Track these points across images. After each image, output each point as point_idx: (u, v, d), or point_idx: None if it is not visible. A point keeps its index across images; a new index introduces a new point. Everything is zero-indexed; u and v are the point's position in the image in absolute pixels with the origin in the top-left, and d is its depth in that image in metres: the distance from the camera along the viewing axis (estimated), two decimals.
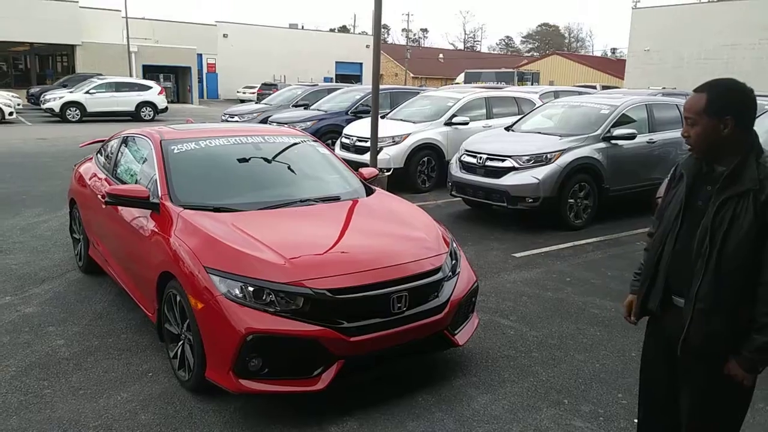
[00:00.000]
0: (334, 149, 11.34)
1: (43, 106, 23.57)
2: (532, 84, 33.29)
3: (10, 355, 4.08)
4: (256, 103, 17.68)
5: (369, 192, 4.70)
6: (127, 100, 24.02)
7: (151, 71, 36.64)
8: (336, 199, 4.44)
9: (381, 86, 14.00)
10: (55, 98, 23.24)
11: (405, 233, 4.01)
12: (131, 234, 4.31)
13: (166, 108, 25.39)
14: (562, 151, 7.57)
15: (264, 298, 3.24)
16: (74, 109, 22.99)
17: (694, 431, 2.27)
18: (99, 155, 5.70)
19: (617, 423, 3.40)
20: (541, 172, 7.44)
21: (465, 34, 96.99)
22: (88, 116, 23.00)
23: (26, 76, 36.82)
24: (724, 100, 2.12)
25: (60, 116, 22.76)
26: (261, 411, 3.44)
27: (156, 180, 4.22)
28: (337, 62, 50.71)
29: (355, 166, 9.90)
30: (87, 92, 23.50)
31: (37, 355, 4.09)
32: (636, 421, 3.33)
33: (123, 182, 4.78)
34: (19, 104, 25.33)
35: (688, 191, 2.25)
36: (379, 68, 9.07)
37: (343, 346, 3.23)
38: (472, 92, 11.53)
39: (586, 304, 5.21)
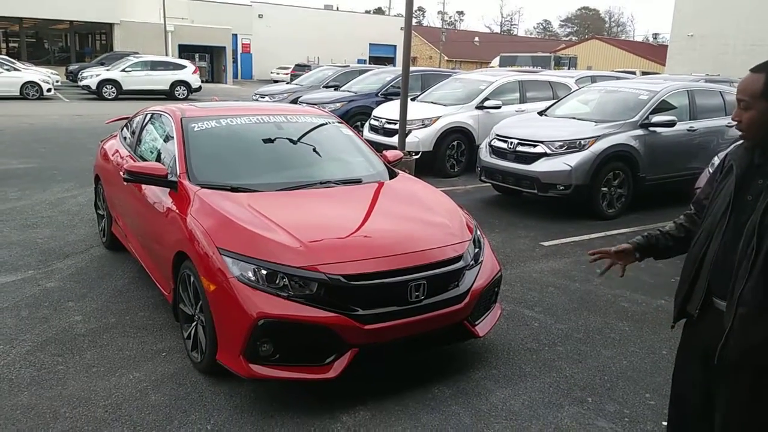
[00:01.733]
0: (362, 131, 11.23)
1: (80, 84, 23.94)
2: (569, 69, 32.50)
3: (27, 330, 4.08)
4: (288, 83, 17.59)
5: (392, 175, 4.56)
6: (162, 79, 24.21)
7: (186, 50, 36.93)
8: (357, 181, 4.31)
9: (412, 68, 13.78)
10: (92, 76, 23.58)
11: (427, 219, 3.86)
12: (150, 212, 4.26)
13: (200, 87, 25.52)
14: (597, 138, 7.29)
15: (277, 282, 3.14)
16: (110, 86, 23.28)
17: None
18: (123, 132, 5.67)
19: (644, 425, 3.22)
20: (573, 159, 7.18)
21: (502, 17, 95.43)
22: (123, 94, 23.28)
23: (66, 54, 37.47)
24: None
25: (96, 93, 23.08)
26: (272, 397, 3.37)
27: (175, 158, 4.15)
28: (370, 44, 50.33)
29: (383, 148, 9.82)
30: (123, 70, 23.76)
31: (54, 331, 4.09)
32: (665, 424, 3.18)
33: (144, 159, 4.73)
34: (57, 81, 25.79)
35: (738, 184, 2.05)
36: (410, 49, 8.86)
37: (357, 334, 3.12)
38: (506, 75, 11.24)
39: (615, 297, 5.00)
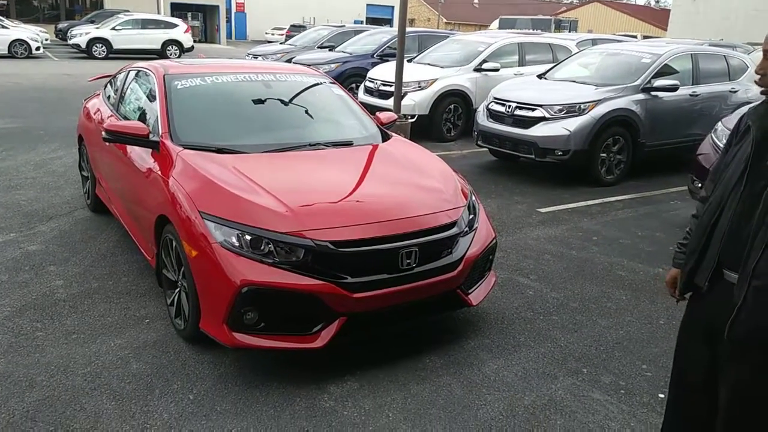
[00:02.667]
0: (357, 93, 10.97)
1: (70, 42, 23.43)
2: (569, 32, 31.88)
3: (6, 294, 3.95)
4: (281, 44, 17.17)
5: (386, 138, 4.38)
6: (153, 38, 23.67)
7: (179, 9, 36.06)
8: (349, 144, 4.13)
9: (409, 29, 13.40)
10: (82, 34, 23.04)
11: (420, 183, 3.70)
12: (132, 173, 4.08)
13: (192, 47, 24.98)
14: (597, 102, 7.08)
15: (262, 248, 3.00)
16: (100, 45, 22.78)
17: (730, 425, 1.98)
18: (106, 90, 5.45)
19: (639, 397, 3.13)
20: (573, 124, 6.99)
21: None
22: (114, 53, 22.76)
23: (56, 12, 36.54)
24: None
25: (86, 52, 22.58)
26: (258, 366, 3.26)
27: (157, 117, 3.95)
28: (368, 5, 49.30)
29: (378, 111, 9.59)
30: (113, 29, 23.22)
31: (34, 296, 3.95)
32: (661, 396, 3.09)
33: (126, 118, 4.53)
34: (46, 39, 25.23)
35: (755, 148, 1.89)
36: (406, 9, 8.55)
37: (345, 302, 2.99)
38: (505, 37, 10.93)
39: (612, 265, 4.89)
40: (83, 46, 22.53)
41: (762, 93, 1.88)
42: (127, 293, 4.05)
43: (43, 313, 3.73)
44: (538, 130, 7.15)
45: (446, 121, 9.86)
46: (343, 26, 15.95)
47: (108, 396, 2.96)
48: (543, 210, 6.29)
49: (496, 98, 7.83)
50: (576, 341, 3.66)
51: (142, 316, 3.75)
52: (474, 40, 10.92)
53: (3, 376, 3.08)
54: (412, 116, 9.40)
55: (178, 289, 3.46)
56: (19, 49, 21.10)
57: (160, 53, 23.44)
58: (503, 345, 3.58)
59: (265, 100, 4.30)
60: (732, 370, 1.95)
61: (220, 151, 3.68)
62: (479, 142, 8.06)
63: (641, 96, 7.33)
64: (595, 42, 12.98)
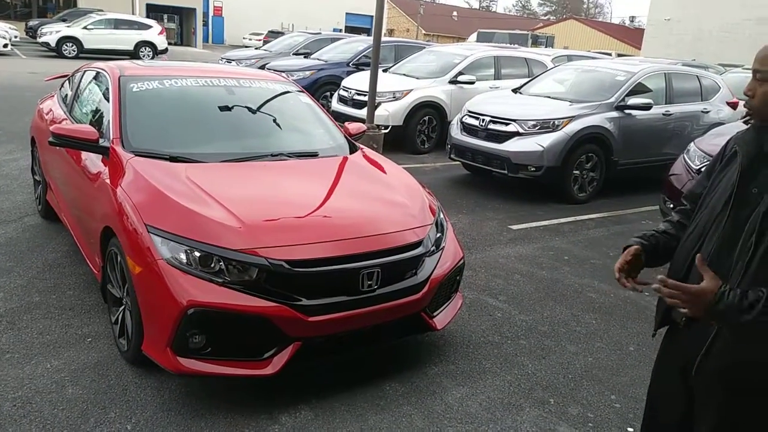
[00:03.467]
0: (331, 102, 10.79)
1: (39, 40, 22.80)
2: (546, 48, 32.20)
3: None
4: (257, 49, 16.91)
5: (353, 150, 4.20)
6: (126, 39, 23.17)
7: (155, 11, 35.44)
8: (314, 155, 3.94)
9: (386, 39, 13.31)
10: (52, 32, 22.47)
11: (385, 199, 3.52)
12: (80, 180, 3.84)
13: (166, 49, 24.54)
14: (572, 118, 7.01)
15: (212, 265, 2.79)
16: (71, 44, 22.23)
17: None
18: (62, 90, 5.18)
19: (608, 431, 2.98)
20: (546, 140, 6.90)
21: None
22: (85, 53, 22.20)
23: (28, 9, 35.74)
24: None
25: (56, 51, 22.01)
26: (205, 393, 3.03)
27: (109, 121, 3.72)
28: (347, 14, 49.20)
29: (351, 120, 9.42)
30: (85, 28, 22.69)
31: None
32: (630, 430, 2.95)
33: (79, 121, 4.27)
34: (16, 37, 24.60)
35: (742, 174, 1.75)
36: (382, 18, 8.45)
37: (299, 326, 2.79)
38: (481, 50, 10.87)
39: (583, 286, 4.76)
40: (53, 44, 21.95)
41: (747, 115, 1.75)
42: (70, 309, 3.79)
43: None
44: (511, 145, 7.04)
45: (420, 132, 9.72)
46: (319, 33, 15.78)
47: (37, 424, 2.71)
48: (515, 227, 6.17)
49: (470, 111, 7.72)
50: (544, 368, 3.51)
51: (84, 335, 3.49)
52: (450, 52, 10.83)
53: None
54: (386, 127, 9.27)
55: (123, 307, 3.22)
56: None
57: (133, 54, 22.96)
58: (468, 371, 3.41)
59: (227, 107, 4.08)
60: (705, 411, 1.81)
61: (174, 159, 3.46)
62: (452, 156, 7.93)
63: (615, 114, 7.29)
64: (570, 58, 13.04)
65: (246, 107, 4.15)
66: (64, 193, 4.42)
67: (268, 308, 2.74)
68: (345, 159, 3.96)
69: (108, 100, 3.90)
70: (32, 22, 28.48)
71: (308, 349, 2.89)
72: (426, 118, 9.69)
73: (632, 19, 56.41)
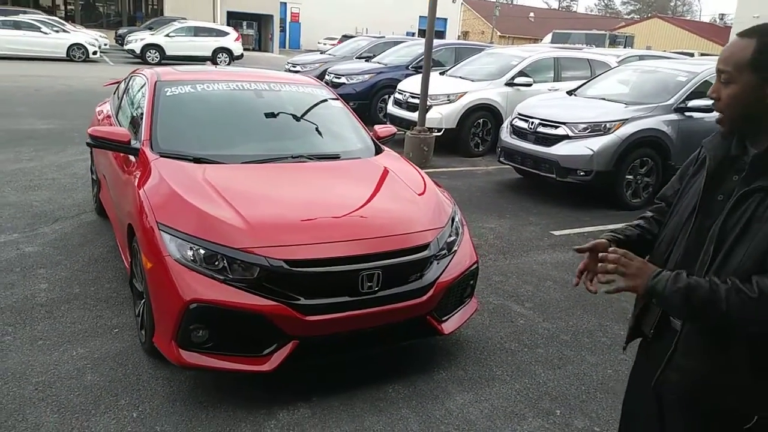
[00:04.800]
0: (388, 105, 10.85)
1: (125, 48, 24.20)
2: (624, 48, 30.99)
3: None
4: (321, 53, 17.25)
5: (378, 153, 4.23)
6: (205, 45, 24.20)
7: (235, 17, 36.86)
8: (335, 157, 4.00)
9: (446, 41, 13.24)
10: (137, 40, 23.79)
11: (397, 203, 3.53)
12: (117, 179, 4.07)
13: (242, 55, 25.44)
14: (624, 121, 6.74)
15: (216, 263, 2.89)
16: (154, 51, 23.42)
17: None
18: (114, 95, 5.50)
19: None
20: (596, 143, 6.66)
21: None
22: (167, 59, 23.35)
23: (119, 18, 38.05)
24: None
25: (140, 58, 23.25)
26: (212, 384, 3.14)
27: (142, 123, 3.93)
28: (420, 16, 49.22)
29: (405, 123, 9.50)
30: (167, 35, 23.88)
31: (15, 298, 3.97)
32: None
33: (120, 123, 4.53)
34: (106, 44, 26.19)
35: (708, 180, 1.65)
36: (434, 18, 8.44)
37: (297, 325, 2.85)
38: (540, 51, 10.62)
39: (617, 296, 4.56)
40: (138, 51, 23.24)
41: (717, 121, 1.65)
42: (105, 300, 4.02)
43: (18, 317, 3.73)
44: (560, 149, 6.85)
45: (474, 135, 9.63)
46: (383, 37, 15.90)
47: (53, 408, 2.90)
48: (557, 233, 6.00)
49: (520, 114, 7.57)
50: (557, 378, 3.40)
51: (113, 326, 3.70)
52: (508, 54, 10.65)
53: None
54: (439, 130, 9.24)
55: (143, 300, 3.39)
56: (77, 53, 21.95)
57: (211, 60, 23.96)
58: (476, 378, 3.36)
59: (254, 110, 4.21)
60: (670, 427, 1.72)
61: (197, 160, 3.61)
62: (501, 159, 7.81)
63: (674, 116, 6.94)
64: (642, 58, 12.50)
65: (272, 111, 4.26)
66: (110, 191, 4.69)
67: (267, 306, 2.81)
68: (365, 162, 3.99)
69: (144, 104, 4.11)
70: (121, 31, 30.25)
71: (307, 347, 2.94)
72: (481, 120, 9.59)
73: (722, 17, 53.27)
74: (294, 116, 4.33)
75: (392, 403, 3.08)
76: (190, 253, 2.92)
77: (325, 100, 4.60)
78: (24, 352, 3.36)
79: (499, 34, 55.28)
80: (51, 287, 4.16)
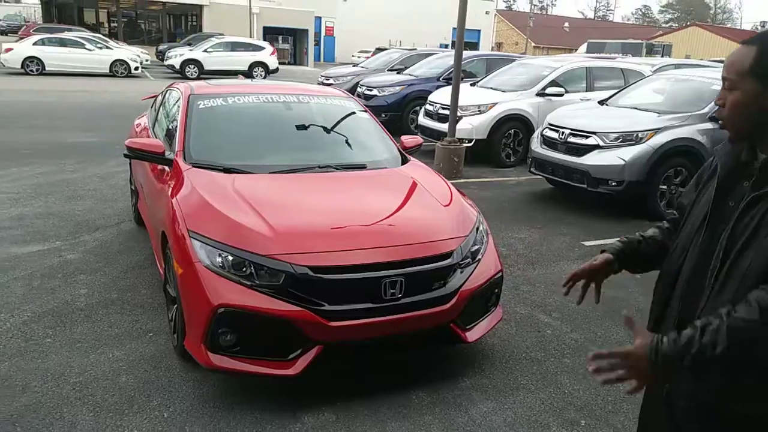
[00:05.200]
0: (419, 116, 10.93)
1: (165, 63, 24.91)
2: (662, 56, 30.49)
3: (32, 300, 4.16)
4: (354, 66, 17.46)
5: (404, 163, 4.29)
6: (241, 60, 24.76)
7: (271, 33, 37.62)
8: (361, 167, 4.08)
9: (477, 52, 13.25)
10: (176, 56, 24.51)
11: (422, 211, 3.59)
12: (153, 189, 4.23)
13: (278, 69, 25.94)
14: (657, 130, 6.66)
15: (244, 269, 2.98)
16: (193, 66, 24.09)
17: None
18: (152, 108, 5.71)
19: None
20: (628, 153, 6.60)
21: (597, 1, 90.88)
22: (205, 73, 23.97)
23: (160, 35, 39.23)
24: None
25: (180, 73, 23.93)
26: (240, 387, 3.23)
27: (176, 135, 4.08)
28: (454, 28, 49.25)
29: (436, 134, 9.55)
30: (205, 51, 24.54)
31: (56, 303, 4.14)
32: None
33: (156, 135, 4.71)
34: (147, 60, 27.03)
35: (719, 187, 1.66)
36: (464, 28, 8.50)
37: (321, 330, 2.92)
38: (572, 61, 10.57)
39: (647, 308, 4.50)
40: (177, 67, 23.93)
41: (720, 127, 1.66)
42: (141, 306, 4.16)
43: (59, 320, 3.89)
44: (591, 159, 6.81)
45: (505, 146, 9.62)
46: (414, 49, 16.03)
47: (89, 407, 3.02)
48: (588, 243, 5.95)
49: (551, 124, 7.55)
50: (583, 389, 3.38)
51: (148, 330, 3.83)
52: (540, 64, 10.63)
53: (2, 379, 3.22)
54: (469, 140, 9.26)
55: (176, 305, 3.51)
56: (119, 69, 22.71)
57: (247, 74, 24.46)
58: (500, 387, 3.36)
59: (283, 122, 4.33)
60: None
61: (228, 171, 3.73)
62: (532, 169, 7.79)
63: (709, 125, 6.82)
64: (678, 67, 12.31)
65: (301, 122, 4.37)
66: (146, 201, 4.86)
67: (291, 312, 2.89)
68: (391, 172, 4.06)
69: (179, 116, 4.27)
70: (162, 47, 31.17)
71: (331, 352, 3.00)
72: (512, 131, 9.58)
73: (764, 24, 51.98)
74: (322, 127, 4.43)
75: (415, 409, 3.12)
76: (219, 259, 3.02)
77: (353, 112, 4.69)
78: (63, 353, 3.51)
79: (533, 44, 55.02)
80: (90, 292, 4.32)
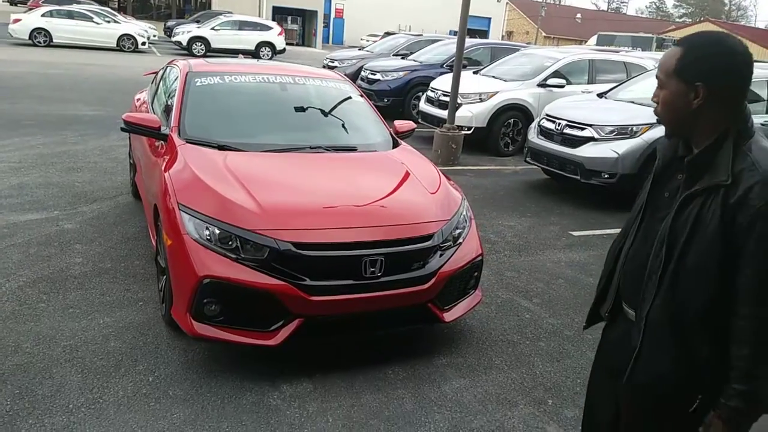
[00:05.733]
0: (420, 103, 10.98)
1: (172, 39, 24.91)
2: None
3: (27, 266, 4.29)
4: (359, 50, 17.47)
5: (395, 146, 4.39)
6: (248, 39, 24.71)
7: (279, 12, 37.45)
8: (352, 149, 4.17)
9: (481, 41, 13.27)
10: (184, 32, 24.47)
11: (406, 194, 3.69)
12: (148, 162, 4.33)
13: (284, 49, 25.89)
14: (652, 125, 6.71)
15: (230, 243, 3.09)
16: (200, 43, 24.04)
17: None
18: (152, 84, 5.80)
19: None
20: (622, 146, 6.67)
21: None
22: (212, 51, 23.97)
23: (169, 11, 39.13)
24: (699, 62, 1.59)
25: (187, 50, 23.90)
26: (223, 356, 3.36)
27: (172, 111, 4.17)
28: None
29: (437, 120, 9.61)
30: (213, 29, 24.47)
31: (51, 270, 4.27)
32: None
33: (155, 111, 4.80)
34: (155, 35, 27.03)
35: (656, 177, 1.78)
36: (467, 16, 8.52)
37: (302, 304, 3.03)
38: (575, 53, 10.59)
39: None
40: (184, 43, 23.89)
41: (657, 122, 1.76)
42: (133, 276, 4.29)
43: (53, 287, 4.02)
44: (585, 151, 6.88)
45: (504, 135, 9.68)
46: (420, 35, 16.02)
47: (77, 369, 3.15)
48: (576, 233, 6.05)
49: (547, 115, 7.61)
50: (554, 371, 3.51)
51: (138, 299, 3.96)
52: (543, 55, 10.65)
53: None
54: (468, 128, 9.33)
55: (165, 276, 3.63)
56: (126, 43, 22.74)
57: (254, 54, 24.46)
58: (474, 366, 3.49)
59: (278, 102, 4.42)
60: (625, 412, 1.84)
61: (222, 147, 3.83)
62: (528, 159, 7.86)
63: None
64: None
65: (295, 103, 4.46)
66: (142, 175, 4.97)
67: (273, 285, 3.00)
68: (381, 155, 4.15)
69: (176, 93, 4.36)
70: (170, 23, 31.14)
71: (311, 326, 3.13)
72: (511, 120, 9.64)
73: None
74: (316, 109, 4.52)
75: (390, 383, 3.24)
76: (206, 232, 3.14)
77: (349, 96, 4.77)
78: (56, 318, 3.64)
79: (544, 34, 54.61)
80: (85, 261, 4.45)
